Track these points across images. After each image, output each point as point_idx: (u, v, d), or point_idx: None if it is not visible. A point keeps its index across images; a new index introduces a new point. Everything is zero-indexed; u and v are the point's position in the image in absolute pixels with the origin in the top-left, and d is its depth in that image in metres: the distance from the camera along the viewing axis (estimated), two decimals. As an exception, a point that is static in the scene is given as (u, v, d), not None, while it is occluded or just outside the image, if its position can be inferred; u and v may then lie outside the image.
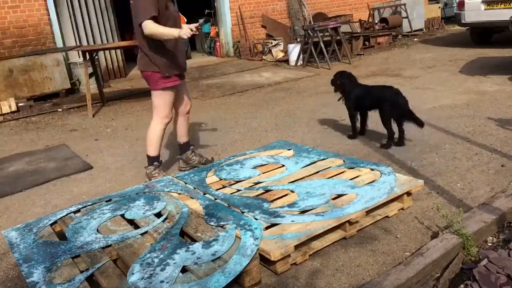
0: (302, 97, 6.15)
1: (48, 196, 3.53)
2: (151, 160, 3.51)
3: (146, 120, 5.69)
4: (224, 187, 2.96)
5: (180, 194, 2.88)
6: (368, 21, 11.54)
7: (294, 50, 8.83)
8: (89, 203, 2.86)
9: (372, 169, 3.01)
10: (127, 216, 2.62)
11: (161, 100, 3.37)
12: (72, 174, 3.96)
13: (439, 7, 13.56)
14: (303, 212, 2.50)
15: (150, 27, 3.05)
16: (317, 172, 3.06)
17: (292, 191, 2.77)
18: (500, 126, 4.15)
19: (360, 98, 3.95)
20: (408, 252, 2.34)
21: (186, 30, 3.01)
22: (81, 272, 2.10)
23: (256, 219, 2.44)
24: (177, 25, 3.28)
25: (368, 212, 2.54)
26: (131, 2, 3.18)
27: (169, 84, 3.32)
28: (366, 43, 10.06)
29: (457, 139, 3.93)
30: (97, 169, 4.06)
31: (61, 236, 2.50)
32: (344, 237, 2.48)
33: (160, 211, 2.65)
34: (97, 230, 2.48)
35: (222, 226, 2.38)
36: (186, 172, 3.30)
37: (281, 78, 7.70)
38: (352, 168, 3.07)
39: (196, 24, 3.05)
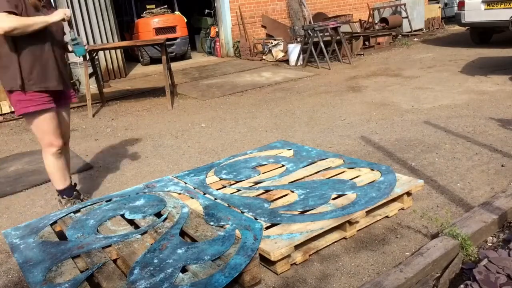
0: (302, 97, 6.15)
1: (48, 196, 3.53)
2: (59, 193, 3.09)
3: (146, 120, 5.73)
4: (224, 187, 2.96)
5: (180, 194, 2.88)
6: (368, 21, 11.54)
7: (294, 50, 8.83)
8: (89, 203, 2.86)
9: (372, 169, 3.01)
10: (127, 216, 2.62)
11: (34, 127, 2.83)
12: (72, 174, 3.94)
13: (439, 7, 13.55)
14: (303, 212, 2.50)
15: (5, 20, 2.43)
16: (317, 172, 3.06)
17: (292, 191, 2.77)
18: (500, 126, 4.15)
19: None
20: (408, 252, 2.34)
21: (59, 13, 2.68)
22: (81, 272, 2.10)
23: (256, 219, 2.44)
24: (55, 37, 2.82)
25: (368, 212, 2.54)
26: None
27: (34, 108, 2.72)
28: (366, 43, 10.06)
29: (457, 139, 3.93)
30: (97, 169, 4.06)
31: (61, 236, 2.50)
32: (344, 237, 2.48)
33: (160, 211, 2.65)
34: (97, 230, 2.48)
35: (222, 226, 2.38)
36: (186, 172, 3.30)
37: (281, 78, 7.70)
38: (352, 168, 3.07)
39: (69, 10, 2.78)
